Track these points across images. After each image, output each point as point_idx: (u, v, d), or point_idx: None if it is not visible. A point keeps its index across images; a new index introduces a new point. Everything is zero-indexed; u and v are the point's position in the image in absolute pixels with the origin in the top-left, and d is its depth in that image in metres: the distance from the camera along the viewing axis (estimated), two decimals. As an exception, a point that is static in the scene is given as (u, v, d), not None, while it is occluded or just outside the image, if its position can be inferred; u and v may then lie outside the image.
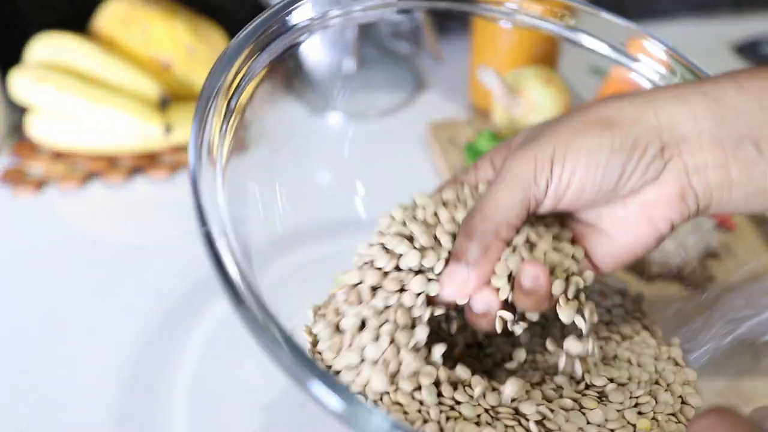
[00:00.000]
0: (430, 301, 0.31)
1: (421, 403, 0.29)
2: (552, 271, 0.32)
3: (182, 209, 0.54)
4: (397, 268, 0.32)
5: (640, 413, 0.33)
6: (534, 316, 0.32)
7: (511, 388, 0.31)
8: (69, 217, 0.53)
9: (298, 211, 0.50)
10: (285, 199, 0.51)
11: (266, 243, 0.38)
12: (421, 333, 0.30)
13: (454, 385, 0.31)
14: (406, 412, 0.29)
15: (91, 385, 0.40)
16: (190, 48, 0.60)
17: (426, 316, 0.31)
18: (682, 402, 0.35)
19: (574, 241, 0.34)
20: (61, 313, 0.44)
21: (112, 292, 0.46)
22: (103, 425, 0.37)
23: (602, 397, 0.33)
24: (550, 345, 0.34)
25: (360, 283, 0.32)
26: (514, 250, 0.32)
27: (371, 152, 0.51)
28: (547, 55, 0.63)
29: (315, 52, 0.63)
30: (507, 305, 0.31)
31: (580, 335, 0.33)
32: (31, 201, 0.54)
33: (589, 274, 0.33)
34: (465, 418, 0.29)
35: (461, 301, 0.31)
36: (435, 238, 0.32)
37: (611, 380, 0.34)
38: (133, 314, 0.44)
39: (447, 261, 0.32)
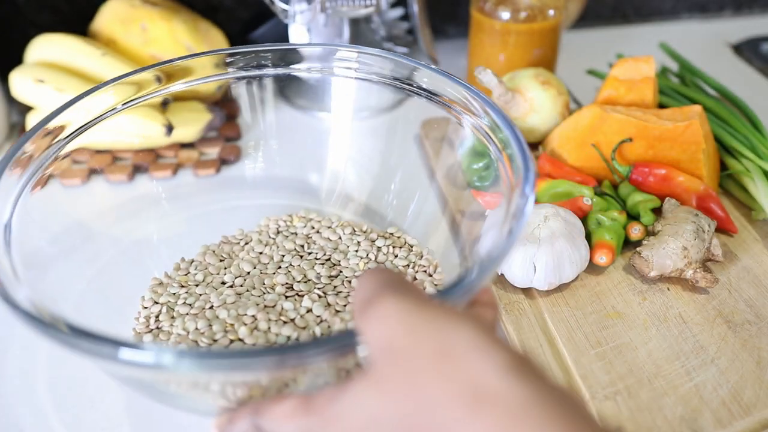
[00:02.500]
0: None
1: None
2: None
3: (183, 208, 0.54)
4: None
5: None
6: None
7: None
8: (71, 215, 0.53)
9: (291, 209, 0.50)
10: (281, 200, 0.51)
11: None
12: None
13: None
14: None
15: (100, 384, 0.40)
16: (190, 48, 0.60)
17: None
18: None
19: None
20: (62, 313, 0.44)
21: (113, 290, 0.46)
22: (112, 425, 0.37)
23: None
24: None
25: None
26: None
27: (364, 151, 0.51)
28: (545, 57, 0.63)
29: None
30: None
31: None
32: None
33: None
34: None
35: None
36: None
37: None
38: (135, 310, 0.44)
39: None
